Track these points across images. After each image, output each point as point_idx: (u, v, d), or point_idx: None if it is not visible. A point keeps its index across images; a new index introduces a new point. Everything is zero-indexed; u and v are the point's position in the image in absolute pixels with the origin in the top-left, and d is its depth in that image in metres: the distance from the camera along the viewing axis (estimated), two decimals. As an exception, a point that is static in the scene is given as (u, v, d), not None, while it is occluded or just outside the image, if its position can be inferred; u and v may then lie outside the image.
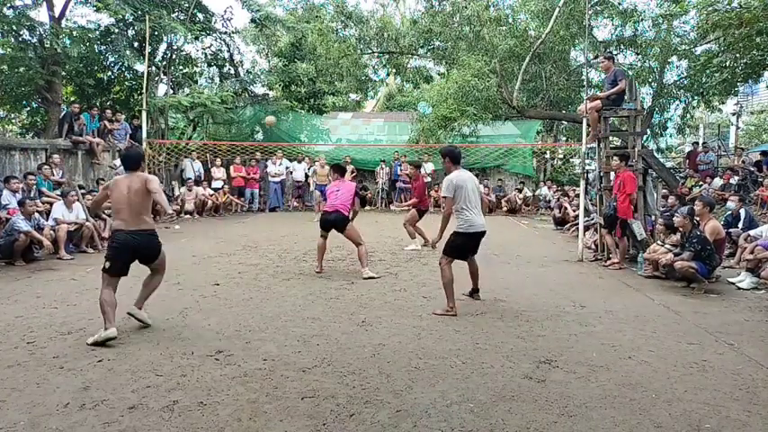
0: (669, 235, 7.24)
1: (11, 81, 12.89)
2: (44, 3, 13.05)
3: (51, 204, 8.83)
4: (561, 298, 5.88)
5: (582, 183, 8.69)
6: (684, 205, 8.67)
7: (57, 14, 13.17)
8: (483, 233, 5.38)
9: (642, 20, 15.29)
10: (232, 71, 18.38)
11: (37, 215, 8.06)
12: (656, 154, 14.61)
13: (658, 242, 7.31)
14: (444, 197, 5.32)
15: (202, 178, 15.19)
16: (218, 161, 15.83)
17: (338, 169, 7.52)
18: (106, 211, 9.75)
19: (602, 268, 7.73)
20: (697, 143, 19.03)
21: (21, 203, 7.97)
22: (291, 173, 16.81)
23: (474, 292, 5.72)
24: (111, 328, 4.17)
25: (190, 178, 14.48)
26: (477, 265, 5.63)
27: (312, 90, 20.60)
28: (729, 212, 8.94)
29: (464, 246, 5.34)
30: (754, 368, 3.87)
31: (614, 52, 16.11)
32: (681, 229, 6.73)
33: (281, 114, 18.92)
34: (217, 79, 18.36)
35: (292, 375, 3.63)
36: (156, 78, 15.74)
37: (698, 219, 6.94)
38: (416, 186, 10.32)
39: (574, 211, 12.05)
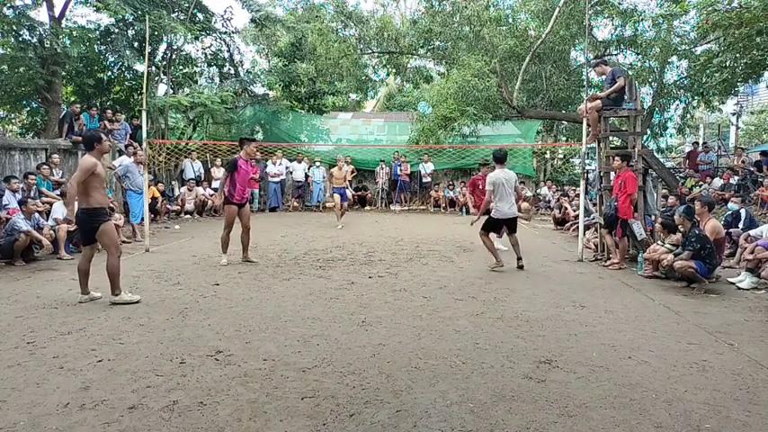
0: (669, 235, 7.24)
1: (11, 81, 12.88)
2: (44, 3, 13.04)
3: (51, 204, 8.83)
4: (561, 298, 5.88)
5: (582, 183, 8.69)
6: (684, 205, 8.67)
7: (57, 14, 13.16)
8: (513, 218, 7.52)
9: (642, 20, 15.28)
10: (232, 71, 18.37)
11: (37, 215, 8.07)
12: (655, 154, 14.62)
13: (658, 242, 7.31)
14: (487, 190, 7.46)
15: (202, 178, 15.19)
16: (219, 161, 15.83)
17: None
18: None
19: (602, 268, 7.73)
20: (697, 143, 19.03)
21: (22, 203, 7.97)
22: (291, 173, 16.81)
23: (518, 260, 7.48)
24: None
25: (191, 179, 14.49)
26: (516, 239, 7.59)
27: (312, 90, 20.60)
28: (730, 212, 8.94)
29: (494, 224, 7.57)
30: (755, 368, 3.87)
31: (614, 52, 16.16)
32: (681, 228, 6.73)
33: (281, 114, 18.92)
34: (217, 79, 18.36)
35: (292, 375, 3.63)
36: (156, 78, 15.74)
37: (698, 218, 6.94)
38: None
39: (574, 210, 12.06)
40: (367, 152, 18.46)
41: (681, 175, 15.61)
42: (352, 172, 17.60)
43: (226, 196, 7.58)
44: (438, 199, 17.19)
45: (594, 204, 9.48)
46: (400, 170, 17.30)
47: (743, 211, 8.70)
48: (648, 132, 16.60)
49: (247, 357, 3.95)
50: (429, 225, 12.91)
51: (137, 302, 5.37)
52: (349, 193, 16.98)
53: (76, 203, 5.28)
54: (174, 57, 16.06)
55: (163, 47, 15.73)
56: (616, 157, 7.80)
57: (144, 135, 9.18)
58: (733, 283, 6.66)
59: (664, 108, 16.72)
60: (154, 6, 14.05)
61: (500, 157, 7.64)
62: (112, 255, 5.37)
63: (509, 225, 7.61)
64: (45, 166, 9.98)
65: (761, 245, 6.87)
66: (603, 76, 8.66)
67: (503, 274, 7.20)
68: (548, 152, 20.80)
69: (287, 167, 16.66)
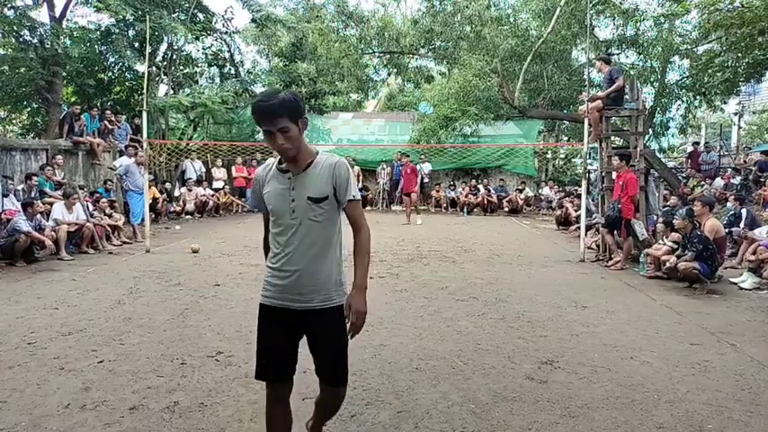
0: (669, 233, 7.22)
1: (11, 81, 12.91)
2: (45, 3, 13.06)
3: (51, 205, 8.83)
4: (563, 298, 5.86)
5: (584, 183, 8.68)
6: (686, 205, 8.65)
7: (57, 15, 13.18)
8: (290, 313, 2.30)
9: (644, 19, 15.26)
10: (233, 71, 18.38)
11: (39, 215, 8.07)
12: (657, 154, 14.60)
13: (660, 241, 7.29)
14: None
15: (203, 178, 15.19)
16: (219, 161, 15.84)
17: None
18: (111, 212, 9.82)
19: (603, 269, 7.71)
20: (697, 143, 18.99)
21: (28, 204, 7.98)
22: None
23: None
24: None
25: (190, 178, 14.49)
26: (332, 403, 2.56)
27: (313, 90, 20.58)
28: (731, 212, 8.92)
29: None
30: (757, 369, 3.85)
31: (616, 52, 16.11)
32: (681, 230, 6.71)
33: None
34: (217, 79, 18.37)
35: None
36: (157, 79, 15.74)
37: (698, 220, 6.93)
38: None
39: (575, 211, 12.04)
40: (368, 152, 18.46)
41: (683, 175, 15.58)
42: (357, 175, 17.57)
43: None
44: (439, 199, 17.18)
45: (596, 205, 9.47)
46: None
47: (744, 211, 8.69)
48: (650, 132, 16.57)
49: (248, 358, 3.94)
50: (430, 225, 12.89)
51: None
52: None
53: None
54: (174, 57, 16.06)
55: (163, 47, 15.75)
56: (615, 157, 7.79)
57: (144, 135, 9.17)
58: (735, 284, 6.64)
59: (665, 108, 16.69)
60: (154, 6, 14.05)
61: None
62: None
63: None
64: (49, 167, 9.99)
65: (763, 245, 6.85)
66: (602, 74, 8.66)
67: (504, 274, 7.17)
68: (549, 152, 20.76)
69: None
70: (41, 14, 13.63)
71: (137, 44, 14.59)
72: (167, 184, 13.18)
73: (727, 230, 8.01)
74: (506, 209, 16.28)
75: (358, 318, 2.23)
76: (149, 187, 9.91)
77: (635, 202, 7.55)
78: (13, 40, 12.70)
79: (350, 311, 2.24)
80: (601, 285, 6.61)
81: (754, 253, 6.84)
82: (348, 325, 2.26)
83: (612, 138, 9.23)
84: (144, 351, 4.06)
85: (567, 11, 14.33)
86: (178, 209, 13.71)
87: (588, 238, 9.00)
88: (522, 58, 15.58)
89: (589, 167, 9.78)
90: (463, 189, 17.09)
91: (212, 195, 14.63)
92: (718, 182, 13.24)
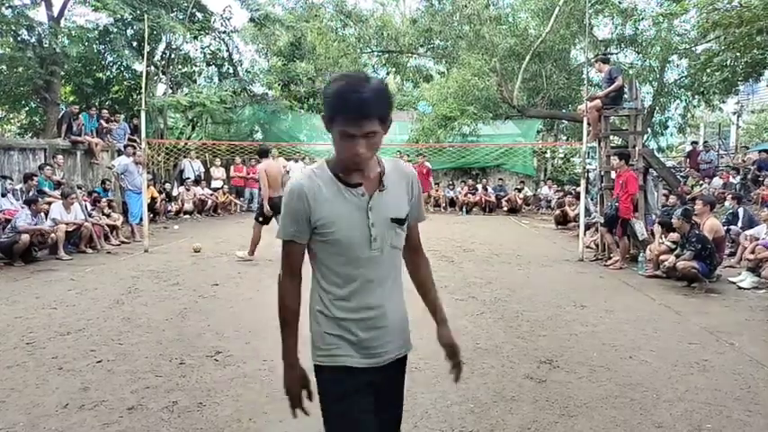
0: (666, 234, 7.21)
1: (9, 81, 12.87)
2: (42, 2, 13.02)
3: (50, 204, 8.81)
4: (562, 298, 5.86)
5: (582, 182, 8.68)
6: (685, 204, 8.66)
7: (55, 14, 13.14)
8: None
9: (642, 19, 15.28)
10: (231, 70, 18.35)
11: (42, 215, 8.06)
12: (656, 153, 14.61)
13: (659, 241, 7.29)
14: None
15: (202, 178, 15.17)
16: (218, 161, 15.82)
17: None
18: (109, 213, 9.81)
19: (602, 268, 7.72)
20: (696, 142, 19.01)
21: (32, 201, 7.96)
22: (288, 172, 16.79)
23: None
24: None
25: (189, 178, 14.46)
26: None
27: (311, 89, 20.54)
28: (729, 211, 8.94)
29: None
30: (755, 368, 3.86)
31: (615, 51, 16.13)
32: (679, 230, 6.71)
33: (280, 114, 18.90)
34: (216, 79, 18.34)
35: (292, 376, 3.61)
36: (155, 78, 15.71)
37: (696, 220, 6.93)
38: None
39: (573, 210, 12.03)
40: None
41: (681, 174, 15.60)
42: None
43: None
44: (438, 198, 17.17)
45: (595, 204, 9.48)
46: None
47: (740, 210, 8.70)
48: (649, 131, 16.58)
49: (247, 358, 3.93)
50: (429, 224, 12.88)
51: None
52: None
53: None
54: (172, 56, 16.03)
55: (162, 46, 15.71)
56: (614, 156, 7.79)
57: (143, 134, 9.15)
58: (734, 283, 6.64)
59: (664, 107, 16.70)
60: (152, 6, 14.01)
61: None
62: None
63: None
64: (48, 167, 9.97)
65: (762, 244, 6.86)
66: (602, 74, 8.67)
67: (503, 273, 7.17)
68: (548, 151, 20.78)
69: (284, 166, 16.64)
70: (39, 14, 13.60)
71: (135, 43, 14.56)
72: (167, 184, 13.15)
73: (725, 229, 8.03)
74: (505, 208, 16.27)
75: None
76: (148, 187, 9.89)
77: (634, 201, 7.55)
78: (11, 40, 12.67)
79: (455, 353, 1.90)
80: (600, 285, 6.61)
81: (752, 252, 6.84)
82: (454, 366, 1.91)
83: (611, 137, 9.24)
84: (143, 351, 4.05)
85: (565, 10, 14.34)
86: (176, 208, 13.69)
87: (587, 238, 9.00)
88: (521, 58, 15.58)
89: (588, 167, 9.78)
90: (462, 188, 17.07)
91: (211, 195, 14.60)
92: (717, 181, 13.25)
